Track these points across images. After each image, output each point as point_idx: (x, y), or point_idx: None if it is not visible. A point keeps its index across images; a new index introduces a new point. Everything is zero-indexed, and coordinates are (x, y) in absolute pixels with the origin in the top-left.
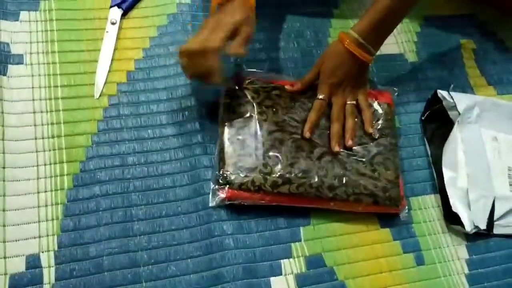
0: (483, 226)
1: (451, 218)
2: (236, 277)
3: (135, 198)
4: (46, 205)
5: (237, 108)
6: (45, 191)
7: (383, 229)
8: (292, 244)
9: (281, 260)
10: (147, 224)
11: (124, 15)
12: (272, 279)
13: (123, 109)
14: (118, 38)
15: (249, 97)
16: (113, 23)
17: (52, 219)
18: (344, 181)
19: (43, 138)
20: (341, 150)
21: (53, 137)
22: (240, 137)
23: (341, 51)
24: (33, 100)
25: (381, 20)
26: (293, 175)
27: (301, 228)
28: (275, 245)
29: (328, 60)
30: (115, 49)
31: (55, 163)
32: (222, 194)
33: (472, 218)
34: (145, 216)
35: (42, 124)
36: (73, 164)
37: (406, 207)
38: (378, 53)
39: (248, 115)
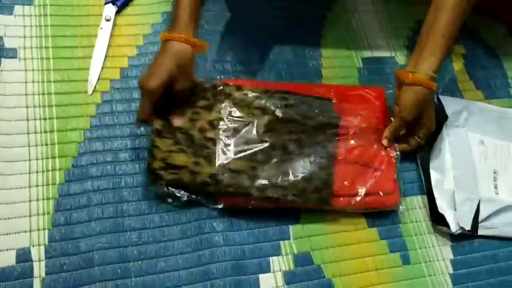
0: (467, 227)
1: (438, 219)
2: (225, 273)
3: (126, 194)
4: (38, 200)
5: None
6: (37, 186)
7: (370, 229)
8: (281, 242)
9: (270, 258)
10: (137, 220)
11: (118, 12)
12: (261, 276)
13: (116, 105)
14: (112, 35)
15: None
16: (107, 20)
17: (43, 214)
18: (275, 182)
19: (35, 132)
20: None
21: (45, 132)
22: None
23: (425, 94)
24: (26, 94)
25: (447, 50)
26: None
27: (290, 227)
28: (264, 243)
29: (411, 105)
30: (109, 46)
31: (47, 158)
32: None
33: (457, 219)
34: (136, 212)
35: (35, 119)
36: (65, 159)
37: (401, 203)
38: (370, 55)
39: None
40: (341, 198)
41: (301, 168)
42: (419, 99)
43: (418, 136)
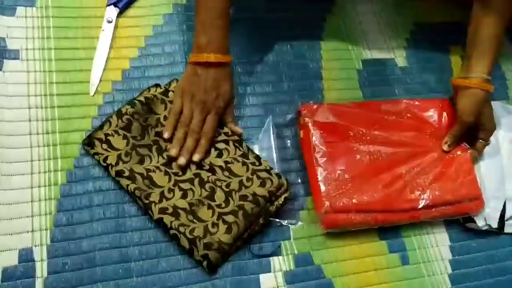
0: (494, 225)
1: (466, 217)
2: (226, 273)
3: (128, 195)
4: (40, 200)
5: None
6: (39, 186)
7: (370, 230)
8: (282, 242)
9: (271, 258)
10: (138, 220)
11: (120, 14)
12: (262, 276)
13: (118, 107)
14: (114, 37)
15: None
16: (109, 22)
17: (46, 214)
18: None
19: (37, 133)
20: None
21: (47, 133)
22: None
23: (480, 96)
24: (29, 95)
25: (496, 54)
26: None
27: (291, 227)
28: (265, 243)
29: (469, 108)
30: (110, 48)
31: (49, 159)
32: None
33: (485, 216)
34: (137, 212)
35: (37, 120)
36: (67, 160)
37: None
38: (369, 57)
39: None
40: (433, 209)
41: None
42: (476, 101)
43: (481, 138)
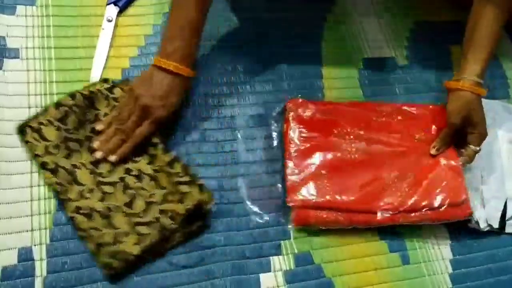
0: (496, 225)
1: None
2: (226, 273)
3: None
4: (39, 199)
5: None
6: (39, 185)
7: (370, 229)
8: (282, 242)
9: (271, 257)
10: None
11: (120, 12)
12: (262, 275)
13: None
14: (113, 36)
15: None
16: (109, 21)
17: (45, 213)
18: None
19: None
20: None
21: None
22: None
23: (469, 98)
24: (29, 95)
25: (491, 54)
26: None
27: (290, 227)
28: (265, 243)
29: (457, 110)
30: (110, 46)
31: None
32: None
33: (486, 216)
34: None
35: None
36: None
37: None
38: (370, 56)
39: None
40: (412, 214)
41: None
42: (465, 103)
43: (472, 144)
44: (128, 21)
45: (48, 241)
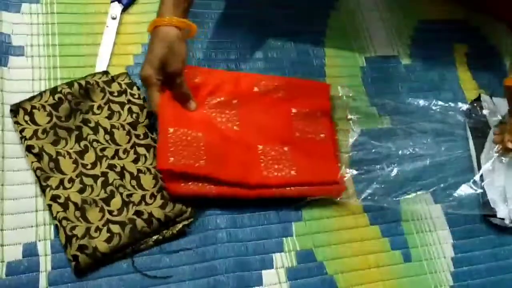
0: None
1: (489, 214)
2: (228, 269)
3: None
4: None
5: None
6: None
7: (372, 226)
8: (284, 239)
9: (273, 254)
10: None
11: (124, 10)
12: (264, 272)
13: None
14: (118, 33)
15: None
16: (113, 18)
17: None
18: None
19: None
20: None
21: None
22: None
23: None
24: (33, 92)
25: None
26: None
27: (293, 224)
28: (267, 240)
29: None
30: (114, 44)
31: None
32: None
33: (509, 212)
34: None
35: None
36: None
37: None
38: (373, 54)
39: None
40: (287, 188)
41: None
42: None
43: None
44: (132, 18)
45: (52, 237)
